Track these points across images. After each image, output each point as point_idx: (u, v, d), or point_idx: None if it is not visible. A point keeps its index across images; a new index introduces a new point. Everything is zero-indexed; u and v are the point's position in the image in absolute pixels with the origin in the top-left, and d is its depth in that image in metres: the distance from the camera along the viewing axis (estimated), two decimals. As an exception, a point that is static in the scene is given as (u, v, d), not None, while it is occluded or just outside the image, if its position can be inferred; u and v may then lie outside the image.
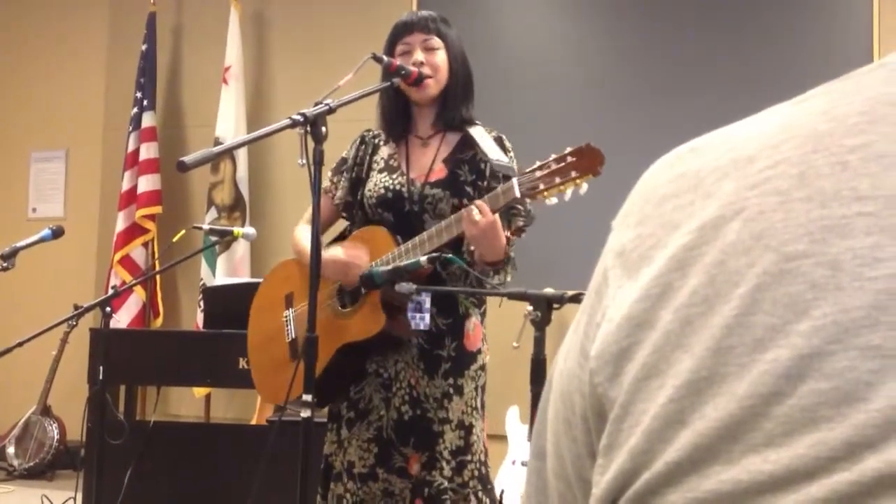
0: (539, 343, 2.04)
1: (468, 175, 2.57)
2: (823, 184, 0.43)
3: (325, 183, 2.71)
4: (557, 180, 2.25)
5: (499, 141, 2.58)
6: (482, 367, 2.60)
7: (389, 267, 2.33)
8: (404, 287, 2.25)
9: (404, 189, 2.57)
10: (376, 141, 2.70)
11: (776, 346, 0.41)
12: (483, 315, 2.64)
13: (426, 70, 2.55)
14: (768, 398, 0.41)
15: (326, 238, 2.65)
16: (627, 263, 0.49)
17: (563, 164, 2.25)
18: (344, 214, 2.72)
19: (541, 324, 2.03)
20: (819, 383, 0.40)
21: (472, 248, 2.40)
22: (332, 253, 2.51)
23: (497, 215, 2.33)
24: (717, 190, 0.47)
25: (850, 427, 0.39)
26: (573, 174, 2.24)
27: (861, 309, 0.40)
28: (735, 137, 0.49)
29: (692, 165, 0.50)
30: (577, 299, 1.96)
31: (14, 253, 3.08)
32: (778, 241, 0.43)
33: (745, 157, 0.47)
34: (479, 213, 2.30)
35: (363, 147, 2.71)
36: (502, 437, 4.54)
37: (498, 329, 2.69)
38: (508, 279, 2.52)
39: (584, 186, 2.26)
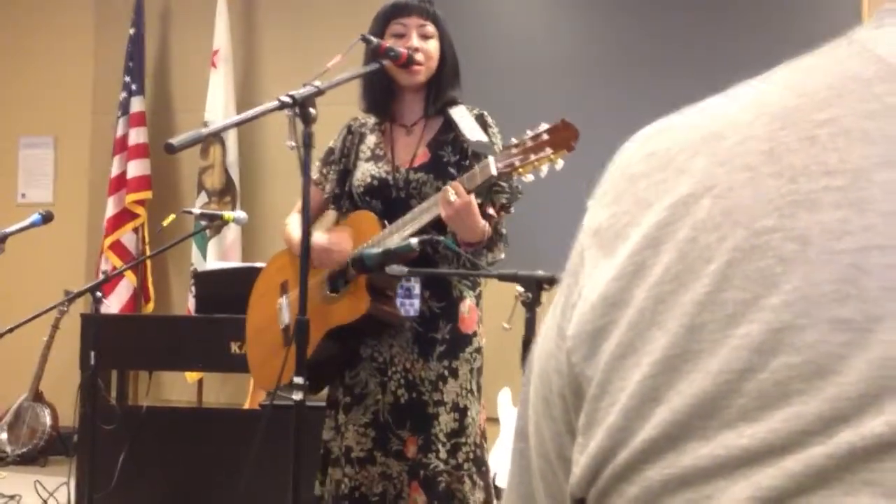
0: (530, 324, 2.05)
1: (451, 156, 2.57)
2: (792, 159, 0.43)
3: (315, 174, 2.69)
4: (533, 157, 2.26)
5: (480, 119, 2.58)
6: (478, 350, 2.60)
7: (380, 249, 2.33)
8: (395, 269, 2.25)
9: (390, 176, 2.57)
10: (363, 130, 2.69)
11: (748, 321, 0.41)
12: (478, 297, 2.64)
13: (419, 56, 2.54)
14: (741, 373, 0.41)
15: (318, 230, 2.64)
16: (603, 242, 0.49)
17: (538, 140, 2.27)
18: (332, 206, 2.71)
19: (532, 305, 2.04)
20: (791, 357, 0.40)
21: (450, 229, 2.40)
22: (315, 239, 2.50)
23: (474, 195, 2.33)
24: (689, 167, 0.47)
25: (823, 401, 0.39)
26: (548, 150, 2.25)
27: (830, 282, 0.40)
28: (705, 115, 0.49)
29: (662, 144, 0.50)
30: (567, 281, 1.96)
31: (3, 239, 3.07)
32: (748, 216, 0.43)
33: (714, 134, 0.47)
34: (454, 193, 2.30)
35: (350, 137, 2.70)
36: (494, 420, 4.54)
37: (488, 311, 2.69)
38: (502, 256, 2.52)
39: (560, 163, 2.28)
